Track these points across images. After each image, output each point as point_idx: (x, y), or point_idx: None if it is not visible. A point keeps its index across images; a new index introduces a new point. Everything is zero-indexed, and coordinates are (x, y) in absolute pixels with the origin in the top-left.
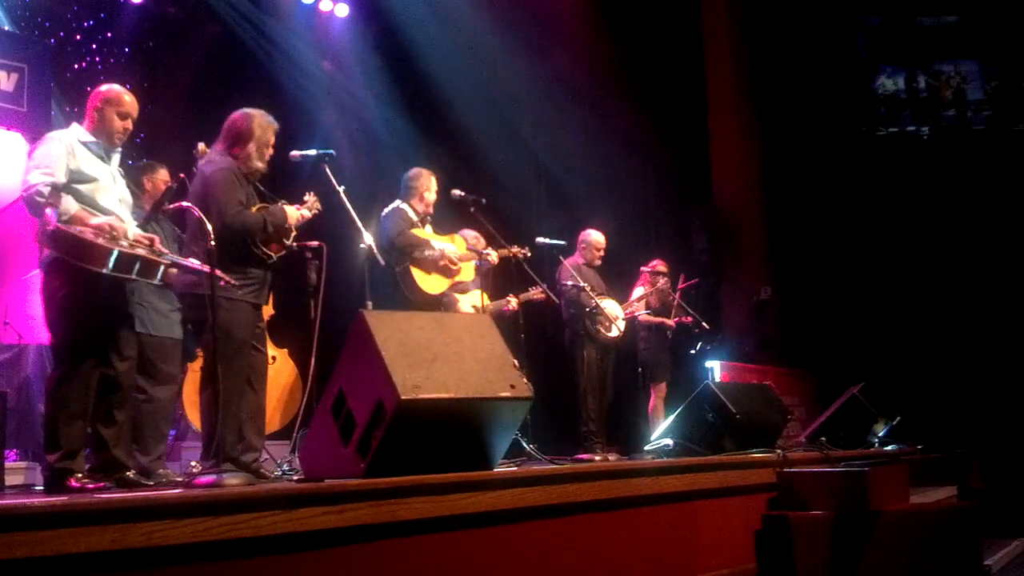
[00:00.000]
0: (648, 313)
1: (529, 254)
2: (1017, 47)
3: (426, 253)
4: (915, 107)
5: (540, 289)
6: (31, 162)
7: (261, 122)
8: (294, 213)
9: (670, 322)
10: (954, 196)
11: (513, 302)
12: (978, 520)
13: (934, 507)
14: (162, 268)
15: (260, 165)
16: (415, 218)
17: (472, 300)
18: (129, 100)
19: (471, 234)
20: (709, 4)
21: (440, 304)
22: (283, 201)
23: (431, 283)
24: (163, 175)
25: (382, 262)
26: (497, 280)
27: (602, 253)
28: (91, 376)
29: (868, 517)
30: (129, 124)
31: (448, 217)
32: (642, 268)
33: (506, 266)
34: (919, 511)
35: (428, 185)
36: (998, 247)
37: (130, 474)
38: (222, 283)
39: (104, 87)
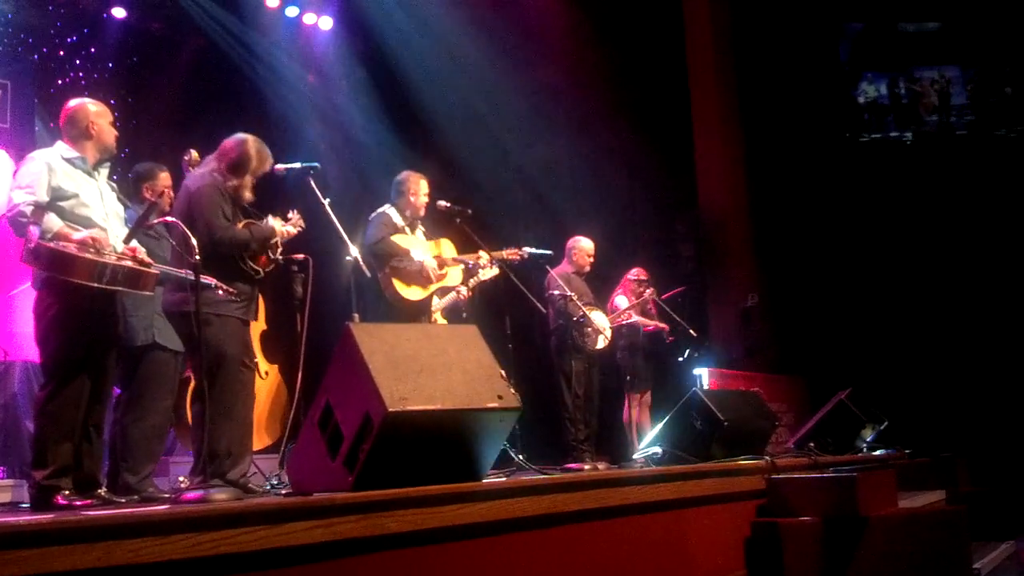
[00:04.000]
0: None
1: (526, 256)
2: (998, 52)
3: (403, 263)
4: (898, 113)
5: (488, 259)
6: (14, 182)
7: (261, 153)
8: (280, 228)
9: (645, 321)
10: (938, 201)
11: (463, 290)
12: (967, 524)
13: (923, 511)
14: (153, 279)
15: (248, 195)
16: (401, 223)
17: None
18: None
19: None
20: (692, 14)
21: (423, 309)
22: (267, 217)
23: (410, 291)
24: (163, 179)
25: (368, 274)
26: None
27: (592, 260)
28: (81, 393)
29: (857, 522)
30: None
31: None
32: (627, 276)
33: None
34: (908, 516)
35: (416, 188)
36: (983, 251)
37: (102, 491)
38: (220, 292)
39: (84, 104)
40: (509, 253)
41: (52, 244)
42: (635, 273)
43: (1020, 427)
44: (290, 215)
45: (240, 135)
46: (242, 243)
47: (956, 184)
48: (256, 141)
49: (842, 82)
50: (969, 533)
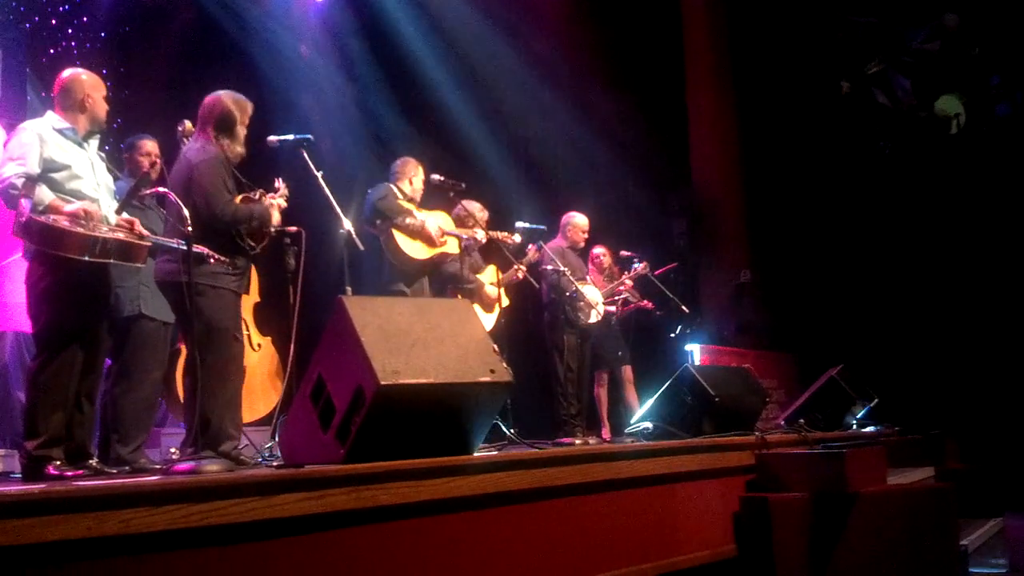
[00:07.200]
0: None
1: (519, 240)
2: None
3: (407, 221)
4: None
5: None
6: (5, 154)
7: (240, 103)
8: (277, 216)
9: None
10: (930, 177)
11: (521, 271)
12: (955, 501)
13: (912, 488)
14: (145, 251)
15: (241, 150)
16: (401, 197)
17: (488, 278)
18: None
19: (477, 206)
20: None
21: (423, 271)
22: (260, 190)
23: (414, 248)
24: (146, 147)
25: (361, 247)
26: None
27: (586, 235)
28: (73, 364)
29: (846, 499)
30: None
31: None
32: (592, 254)
33: (490, 247)
34: (897, 492)
35: (415, 172)
36: (974, 229)
37: (93, 462)
38: (212, 260)
39: (80, 75)
40: (504, 236)
41: (44, 218)
42: (600, 252)
43: (1008, 405)
44: (277, 184)
45: (212, 94)
46: (244, 219)
47: (947, 162)
48: (228, 93)
49: (837, 58)
50: (957, 510)
